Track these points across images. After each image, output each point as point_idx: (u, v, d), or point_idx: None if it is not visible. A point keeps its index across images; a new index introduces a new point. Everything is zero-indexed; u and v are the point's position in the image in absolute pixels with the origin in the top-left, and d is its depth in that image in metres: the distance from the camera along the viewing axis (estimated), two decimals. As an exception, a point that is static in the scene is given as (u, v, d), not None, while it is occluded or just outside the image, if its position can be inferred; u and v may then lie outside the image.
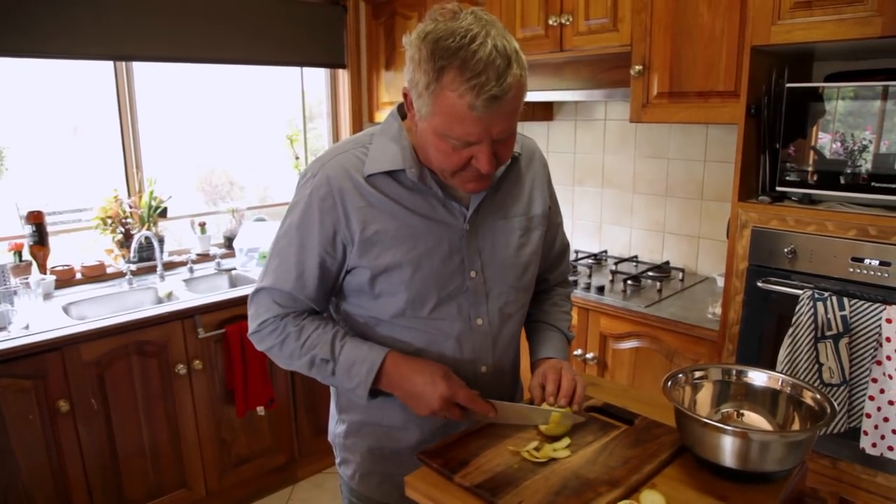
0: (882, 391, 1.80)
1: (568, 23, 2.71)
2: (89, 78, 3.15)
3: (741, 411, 1.28)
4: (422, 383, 1.25)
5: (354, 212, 1.27)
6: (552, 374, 1.33)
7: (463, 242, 1.32)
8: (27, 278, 2.75)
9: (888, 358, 1.76)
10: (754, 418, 1.26)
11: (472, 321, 1.35)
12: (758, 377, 1.29)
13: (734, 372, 1.31)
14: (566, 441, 1.25)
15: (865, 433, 1.84)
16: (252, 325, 1.38)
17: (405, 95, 1.20)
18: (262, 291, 1.36)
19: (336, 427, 1.51)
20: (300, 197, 1.31)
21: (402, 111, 1.32)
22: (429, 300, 1.31)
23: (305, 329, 1.33)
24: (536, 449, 1.22)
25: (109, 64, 3.11)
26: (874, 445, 1.84)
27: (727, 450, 1.10)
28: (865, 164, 1.88)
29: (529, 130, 3.49)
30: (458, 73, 1.07)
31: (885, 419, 1.80)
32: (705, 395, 1.31)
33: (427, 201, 1.30)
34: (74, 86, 3.15)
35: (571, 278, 2.81)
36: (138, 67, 3.20)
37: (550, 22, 2.77)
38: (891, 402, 1.78)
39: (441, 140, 1.16)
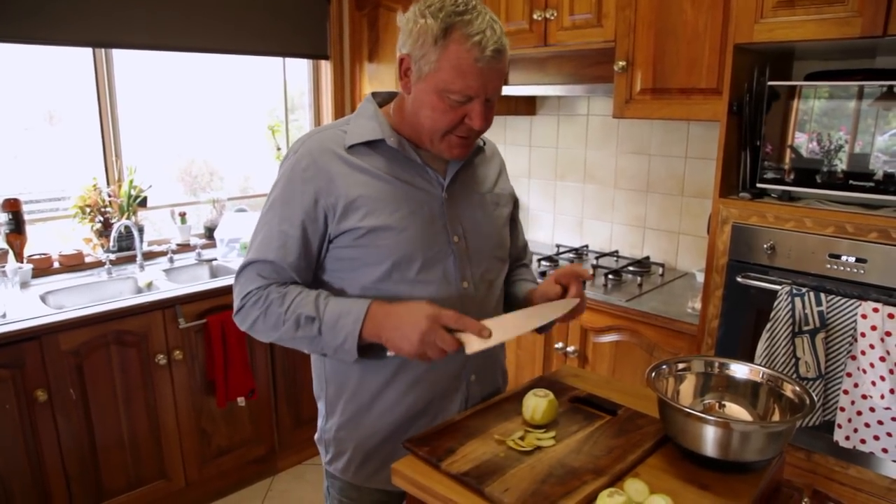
0: (856, 385, 1.84)
1: (552, 17, 2.73)
2: (65, 64, 3.10)
3: (723, 402, 1.30)
4: (405, 312, 1.24)
5: (337, 178, 1.32)
6: (574, 280, 1.42)
7: (443, 209, 1.38)
8: (3, 267, 2.71)
9: (862, 353, 1.80)
10: (735, 409, 1.29)
11: (459, 284, 1.39)
12: (739, 370, 1.32)
13: (716, 364, 1.34)
14: (552, 431, 1.27)
15: (839, 426, 1.88)
16: (236, 303, 1.37)
17: (401, 62, 1.29)
18: (247, 267, 1.37)
19: (326, 423, 1.50)
20: (282, 172, 1.37)
21: (376, 98, 1.43)
22: (415, 261, 1.34)
23: (289, 294, 1.32)
24: (522, 438, 1.23)
25: (87, 50, 3.06)
26: (847, 438, 1.88)
27: (709, 440, 1.12)
28: (841, 164, 1.92)
29: (512, 124, 3.51)
30: (464, 31, 1.21)
31: (859, 413, 1.85)
32: (688, 387, 1.33)
33: (405, 170, 1.37)
34: (50, 72, 3.10)
35: (553, 272, 2.85)
36: (118, 55, 3.16)
37: (535, 16, 2.78)
38: (864, 396, 1.83)
39: (440, 98, 1.26)
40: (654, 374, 1.29)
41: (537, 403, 1.29)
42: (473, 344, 1.23)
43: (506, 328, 1.29)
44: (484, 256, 1.44)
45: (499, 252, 1.49)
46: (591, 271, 2.84)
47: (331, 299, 1.32)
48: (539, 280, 1.63)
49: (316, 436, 1.56)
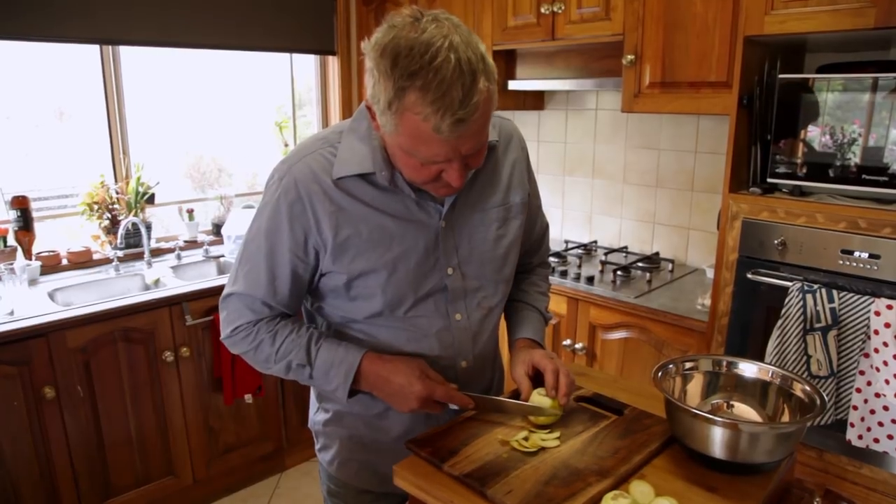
0: (869, 383, 1.81)
1: (560, 11, 2.70)
2: (75, 61, 3.10)
3: (731, 402, 1.28)
4: (398, 384, 1.24)
5: (325, 217, 1.23)
6: (549, 365, 1.30)
7: (439, 240, 1.29)
8: (12, 264, 2.71)
9: (876, 350, 1.77)
10: (744, 410, 1.26)
11: (451, 317, 1.33)
12: (748, 369, 1.29)
13: (724, 363, 1.31)
14: (556, 431, 1.25)
15: (852, 425, 1.85)
16: (224, 331, 1.35)
17: (368, 108, 1.14)
18: (234, 297, 1.32)
19: (316, 415, 1.50)
20: (268, 200, 1.27)
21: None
22: (405, 301, 1.29)
23: (279, 334, 1.30)
24: (525, 439, 1.21)
25: (95, 47, 3.06)
26: (860, 437, 1.85)
27: (717, 441, 1.10)
28: (855, 157, 1.88)
29: (520, 119, 3.48)
30: (420, 96, 1.00)
31: (872, 411, 1.82)
32: (695, 386, 1.30)
33: (401, 201, 1.26)
34: (59, 69, 3.11)
35: (562, 268, 2.83)
36: (125, 52, 3.16)
37: (542, 10, 2.75)
38: (877, 395, 1.80)
39: (408, 156, 1.11)
40: (660, 373, 1.26)
41: (542, 403, 1.27)
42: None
43: (488, 408, 1.31)
44: (482, 283, 1.35)
45: (500, 275, 1.38)
46: (599, 267, 2.82)
47: (322, 345, 1.29)
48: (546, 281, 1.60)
49: (308, 423, 1.56)
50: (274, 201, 1.25)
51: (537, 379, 1.34)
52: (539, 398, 1.28)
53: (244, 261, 1.31)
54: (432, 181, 1.15)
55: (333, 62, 3.89)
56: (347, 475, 1.47)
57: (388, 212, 1.25)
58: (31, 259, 2.91)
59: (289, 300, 1.32)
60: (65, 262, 3.02)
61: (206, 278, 3.05)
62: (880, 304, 1.76)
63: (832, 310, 1.83)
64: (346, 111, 3.90)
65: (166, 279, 2.98)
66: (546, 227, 1.60)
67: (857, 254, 1.84)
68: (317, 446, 1.54)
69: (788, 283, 1.93)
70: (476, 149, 1.12)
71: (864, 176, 1.87)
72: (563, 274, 2.76)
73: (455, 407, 1.30)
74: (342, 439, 1.45)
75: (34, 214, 2.93)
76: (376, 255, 1.25)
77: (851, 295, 1.82)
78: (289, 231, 1.25)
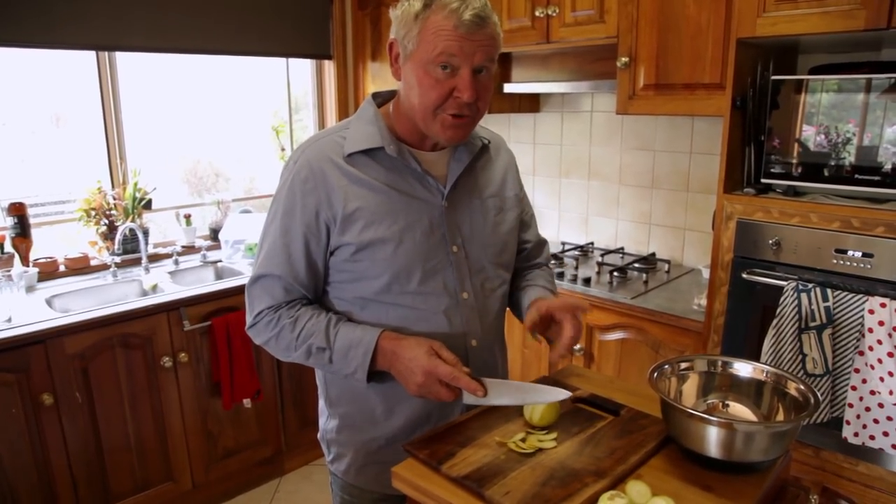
0: (864, 381, 1.82)
1: (554, 14, 2.71)
2: (71, 67, 3.11)
3: (726, 402, 1.29)
4: (408, 358, 1.26)
5: (336, 190, 1.31)
6: (568, 313, 1.33)
7: (442, 218, 1.36)
8: (9, 271, 2.72)
9: (870, 348, 1.78)
10: (739, 409, 1.27)
11: (459, 295, 1.38)
12: (743, 368, 1.30)
13: (719, 363, 1.32)
14: (553, 432, 1.25)
15: (848, 423, 1.86)
16: (248, 319, 1.40)
17: (390, 48, 1.30)
18: (256, 283, 1.38)
19: (327, 423, 1.51)
20: (282, 183, 1.36)
21: (377, 99, 1.41)
22: (414, 274, 1.34)
23: (300, 320, 1.34)
24: (523, 440, 1.22)
25: (92, 53, 3.07)
26: (856, 435, 1.86)
27: (712, 440, 1.11)
28: (849, 157, 1.89)
29: (516, 122, 3.49)
30: (442, 1, 1.21)
31: (867, 409, 1.83)
32: (691, 386, 1.31)
33: (405, 179, 1.35)
34: (56, 75, 3.11)
35: (558, 270, 2.84)
36: (122, 57, 3.16)
37: (537, 13, 2.76)
38: (872, 392, 1.81)
39: (425, 73, 1.24)
40: (656, 374, 1.27)
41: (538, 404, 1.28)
42: (470, 396, 1.25)
43: (501, 393, 1.27)
44: (483, 265, 1.42)
45: (500, 259, 1.46)
46: (596, 268, 2.83)
47: (341, 327, 1.33)
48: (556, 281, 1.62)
49: (318, 434, 1.57)
50: (288, 181, 1.35)
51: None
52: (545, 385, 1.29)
53: (263, 244, 1.38)
54: (443, 104, 1.26)
55: (329, 66, 3.89)
56: (366, 481, 1.47)
57: (394, 187, 1.34)
58: (28, 266, 2.91)
59: (306, 279, 1.36)
60: (62, 268, 3.02)
61: (204, 283, 3.05)
62: (874, 302, 1.77)
63: (827, 308, 1.85)
64: (343, 115, 3.91)
65: (164, 284, 2.98)
66: (542, 242, 1.67)
67: (850, 253, 1.85)
68: (328, 457, 1.53)
69: (783, 283, 1.94)
70: (485, 62, 1.25)
71: (857, 175, 1.88)
72: (560, 275, 2.77)
73: (469, 402, 1.27)
74: (357, 444, 1.45)
75: (31, 221, 2.93)
76: (384, 226, 1.31)
77: (845, 294, 1.83)
78: (301, 207, 1.32)
